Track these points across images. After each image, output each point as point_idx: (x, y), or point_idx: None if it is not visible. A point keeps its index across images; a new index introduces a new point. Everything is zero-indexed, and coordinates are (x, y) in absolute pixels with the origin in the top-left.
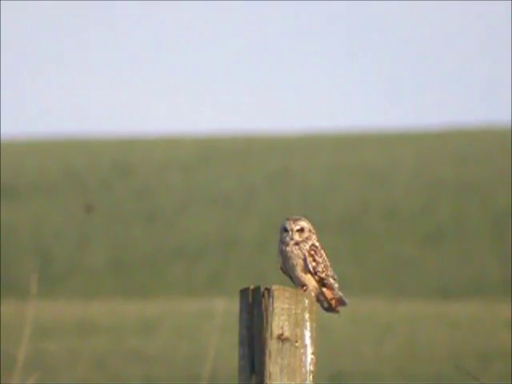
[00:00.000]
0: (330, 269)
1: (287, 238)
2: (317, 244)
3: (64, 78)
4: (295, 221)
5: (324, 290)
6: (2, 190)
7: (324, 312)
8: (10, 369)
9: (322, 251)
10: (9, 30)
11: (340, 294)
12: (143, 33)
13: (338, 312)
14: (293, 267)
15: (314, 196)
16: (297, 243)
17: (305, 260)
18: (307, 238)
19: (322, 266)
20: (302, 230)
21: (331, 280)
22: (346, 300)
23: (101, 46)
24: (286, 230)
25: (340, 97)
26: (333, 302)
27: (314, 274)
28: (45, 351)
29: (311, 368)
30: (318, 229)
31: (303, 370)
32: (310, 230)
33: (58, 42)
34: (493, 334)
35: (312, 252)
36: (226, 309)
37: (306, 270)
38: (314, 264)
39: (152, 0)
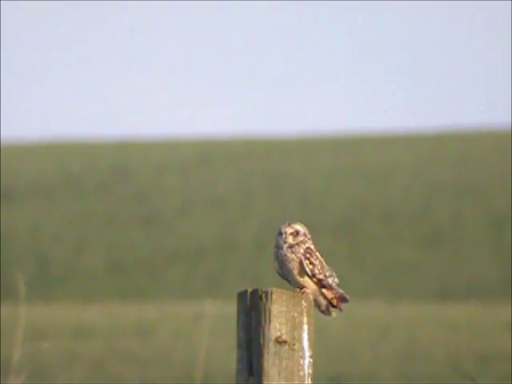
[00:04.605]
0: (326, 268)
1: (281, 242)
2: (311, 247)
3: (61, 81)
4: (290, 224)
5: (324, 291)
6: (0, 193)
7: (321, 314)
8: (5, 371)
9: (317, 253)
10: (7, 34)
11: (340, 290)
12: (140, 35)
13: (341, 309)
14: (289, 271)
15: (312, 199)
16: (291, 246)
17: (301, 263)
18: (302, 242)
19: (319, 267)
20: (296, 234)
21: (329, 280)
22: (347, 296)
23: (98, 49)
24: (280, 234)
25: (338, 99)
26: (334, 302)
27: (312, 276)
28: (42, 354)
29: (309, 370)
30: (316, 232)
31: (301, 372)
32: (304, 234)
33: (56, 47)
34: (491, 335)
35: (307, 255)
36: (223, 311)
37: (303, 273)
38: (311, 267)
39: (150, 0)
